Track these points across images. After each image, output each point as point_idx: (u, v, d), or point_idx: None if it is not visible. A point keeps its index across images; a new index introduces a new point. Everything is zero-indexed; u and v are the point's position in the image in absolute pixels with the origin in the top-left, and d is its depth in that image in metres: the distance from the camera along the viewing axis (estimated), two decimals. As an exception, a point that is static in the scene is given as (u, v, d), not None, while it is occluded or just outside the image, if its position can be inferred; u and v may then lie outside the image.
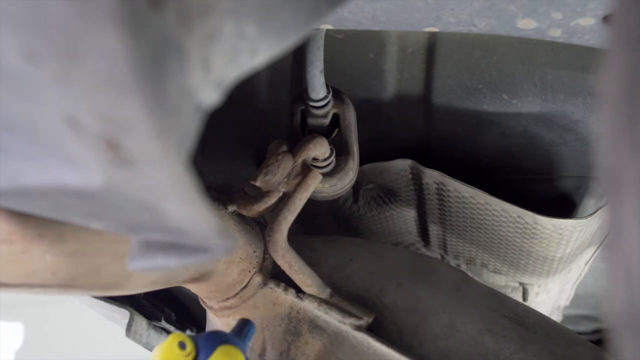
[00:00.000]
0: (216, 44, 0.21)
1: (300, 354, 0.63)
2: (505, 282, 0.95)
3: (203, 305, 0.68)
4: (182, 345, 0.45)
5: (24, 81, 0.18)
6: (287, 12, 0.23)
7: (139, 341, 0.72)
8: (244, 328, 0.56)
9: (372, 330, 0.61)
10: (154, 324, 0.75)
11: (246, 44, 0.22)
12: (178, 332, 0.47)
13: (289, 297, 0.63)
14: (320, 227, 0.98)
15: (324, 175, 0.65)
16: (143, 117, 0.17)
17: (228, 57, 0.22)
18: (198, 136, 0.23)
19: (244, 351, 0.49)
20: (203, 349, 0.46)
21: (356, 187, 0.86)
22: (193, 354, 0.45)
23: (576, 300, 1.12)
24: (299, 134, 0.67)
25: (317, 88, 0.63)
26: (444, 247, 0.93)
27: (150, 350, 0.75)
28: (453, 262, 0.97)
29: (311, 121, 0.67)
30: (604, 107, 0.18)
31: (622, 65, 0.17)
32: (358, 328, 0.60)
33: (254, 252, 0.64)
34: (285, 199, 0.62)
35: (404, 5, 0.44)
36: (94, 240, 0.43)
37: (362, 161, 0.70)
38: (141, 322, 0.71)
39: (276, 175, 0.61)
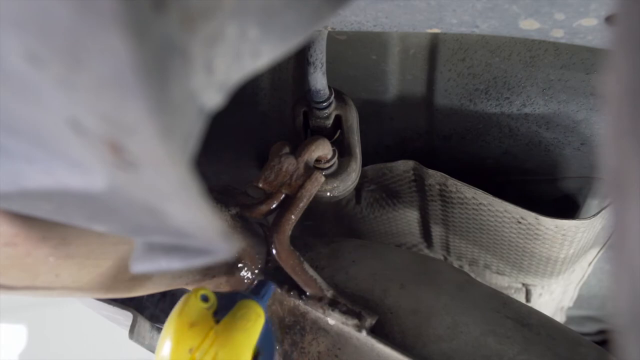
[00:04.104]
0: (219, 47, 0.21)
1: (303, 355, 0.63)
2: (508, 283, 0.95)
3: (206, 307, 0.68)
4: (204, 298, 0.45)
5: (27, 84, 0.18)
6: (289, 14, 0.23)
7: (142, 343, 0.72)
8: (261, 289, 0.56)
9: (375, 331, 0.61)
10: (157, 326, 0.75)
11: (249, 46, 0.22)
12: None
13: (292, 298, 0.63)
14: (322, 228, 0.98)
15: (327, 176, 0.65)
16: (146, 119, 0.17)
17: (231, 59, 0.22)
18: (201, 138, 0.23)
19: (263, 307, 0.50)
20: (224, 302, 0.47)
21: (359, 189, 0.86)
22: (215, 307, 0.46)
23: (580, 301, 1.12)
24: (302, 136, 0.68)
25: (320, 89, 0.63)
26: (446, 248, 0.93)
27: (154, 352, 0.75)
28: (456, 263, 0.96)
29: (313, 123, 0.67)
30: (607, 107, 0.18)
31: (625, 65, 0.17)
32: (361, 329, 0.60)
33: (257, 254, 0.64)
34: (288, 201, 0.62)
35: (405, 6, 0.44)
36: (97, 242, 0.43)
37: (365, 162, 0.71)
38: (144, 324, 0.71)
39: (279, 177, 0.61)
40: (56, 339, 2.24)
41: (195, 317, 0.44)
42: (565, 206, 0.87)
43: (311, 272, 0.62)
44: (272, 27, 0.23)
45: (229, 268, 0.63)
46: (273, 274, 0.65)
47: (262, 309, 0.48)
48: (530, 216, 0.73)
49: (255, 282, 0.63)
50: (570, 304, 1.10)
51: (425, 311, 0.62)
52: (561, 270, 0.85)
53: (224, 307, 0.47)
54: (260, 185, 0.61)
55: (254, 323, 0.46)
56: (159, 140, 0.18)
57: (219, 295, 0.47)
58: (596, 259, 0.96)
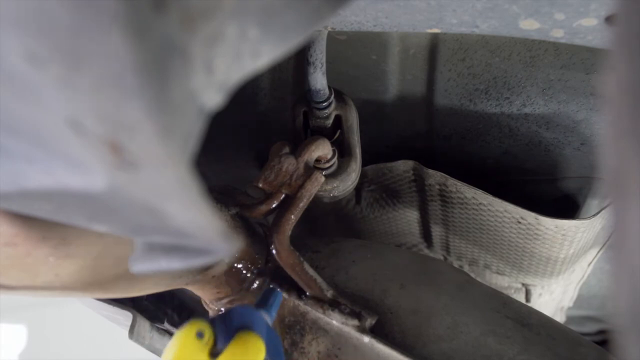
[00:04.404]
0: (219, 47, 0.21)
1: (303, 356, 0.63)
2: (508, 283, 0.95)
3: (205, 307, 0.68)
4: (199, 335, 0.44)
5: (28, 84, 0.18)
6: (289, 14, 0.23)
7: (141, 343, 0.72)
8: (268, 298, 0.54)
9: (375, 331, 0.61)
10: (156, 326, 0.75)
11: (249, 46, 0.22)
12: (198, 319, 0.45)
13: (292, 298, 0.63)
14: (322, 228, 0.98)
15: (327, 176, 0.65)
16: (146, 119, 0.17)
17: (231, 59, 0.22)
18: (201, 138, 0.23)
19: (263, 331, 0.47)
20: (221, 336, 0.45)
21: (359, 189, 0.86)
22: (211, 342, 0.44)
23: (579, 301, 1.12)
24: (302, 136, 0.68)
25: (320, 89, 0.63)
26: (446, 248, 0.93)
27: (153, 352, 0.75)
28: (456, 263, 0.96)
29: (313, 123, 0.67)
30: (607, 107, 0.18)
31: (625, 66, 0.17)
32: (361, 329, 0.60)
33: (257, 254, 0.64)
34: (288, 201, 0.62)
35: (406, 6, 0.44)
36: (97, 242, 0.43)
37: (365, 162, 0.71)
38: (144, 324, 0.71)
39: (279, 177, 0.61)
40: (56, 339, 2.24)
41: (191, 358, 0.42)
42: (565, 206, 0.87)
43: (311, 272, 0.62)
44: (272, 27, 0.23)
45: (229, 268, 0.63)
46: (273, 274, 0.65)
47: (262, 342, 0.46)
48: (530, 216, 0.73)
49: (260, 286, 0.62)
50: (570, 304, 1.10)
51: (425, 311, 0.62)
52: (561, 270, 0.85)
53: (221, 340, 0.45)
54: (260, 185, 0.62)
55: (254, 358, 0.44)
56: (159, 140, 0.18)
57: (215, 325, 0.46)
58: (596, 259, 0.96)
